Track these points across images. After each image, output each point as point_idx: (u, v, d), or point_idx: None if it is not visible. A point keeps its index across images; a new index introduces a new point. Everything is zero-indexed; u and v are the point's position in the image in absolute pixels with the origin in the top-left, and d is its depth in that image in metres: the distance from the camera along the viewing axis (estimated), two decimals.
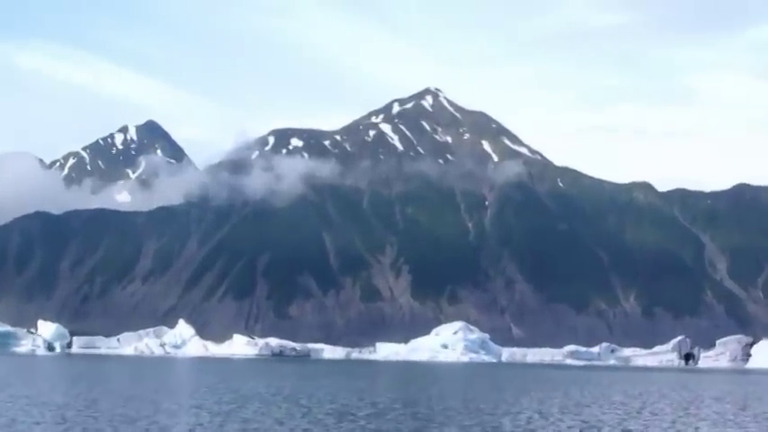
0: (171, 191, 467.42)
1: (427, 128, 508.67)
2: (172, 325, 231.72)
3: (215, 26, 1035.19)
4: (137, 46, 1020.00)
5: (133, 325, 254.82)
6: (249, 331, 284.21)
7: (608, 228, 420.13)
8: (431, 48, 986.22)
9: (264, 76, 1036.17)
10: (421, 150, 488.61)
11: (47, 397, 43.81)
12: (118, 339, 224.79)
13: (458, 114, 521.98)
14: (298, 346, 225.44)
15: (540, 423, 35.21)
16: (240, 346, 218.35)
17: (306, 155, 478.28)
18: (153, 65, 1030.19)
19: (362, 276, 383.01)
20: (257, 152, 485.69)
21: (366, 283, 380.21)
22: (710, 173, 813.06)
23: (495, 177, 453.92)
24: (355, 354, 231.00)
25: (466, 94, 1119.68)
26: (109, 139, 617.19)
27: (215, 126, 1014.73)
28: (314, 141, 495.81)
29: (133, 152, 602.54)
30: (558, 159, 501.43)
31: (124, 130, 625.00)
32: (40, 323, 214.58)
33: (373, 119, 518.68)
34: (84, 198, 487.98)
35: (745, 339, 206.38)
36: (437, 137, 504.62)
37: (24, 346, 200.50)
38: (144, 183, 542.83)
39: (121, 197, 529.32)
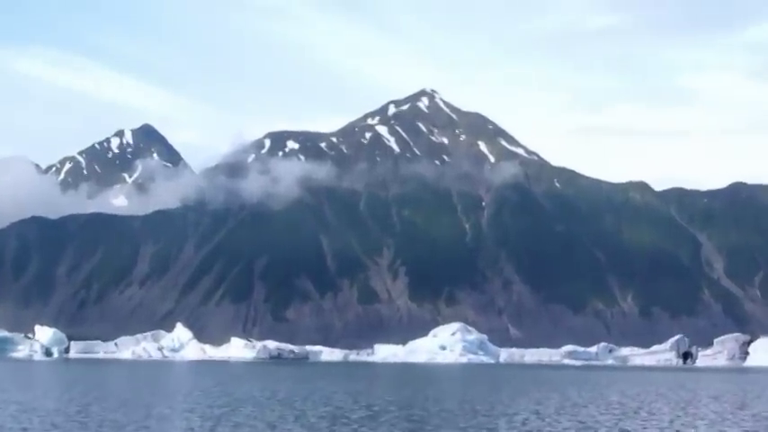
0: (167, 195, 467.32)
1: (423, 129, 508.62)
2: (169, 329, 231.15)
3: (210, 30, 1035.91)
4: (132, 50, 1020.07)
5: (131, 329, 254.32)
6: (247, 334, 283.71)
7: (605, 228, 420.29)
8: (426, 49, 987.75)
9: (260, 79, 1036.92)
10: (417, 152, 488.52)
11: (38, 402, 43.42)
12: (115, 344, 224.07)
13: (454, 115, 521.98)
14: (296, 348, 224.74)
15: (536, 424, 34.88)
16: (238, 349, 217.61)
17: (302, 157, 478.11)
18: (148, 69, 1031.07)
19: (360, 278, 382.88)
20: (253, 155, 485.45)
21: (363, 285, 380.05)
22: (707, 172, 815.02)
23: (491, 178, 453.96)
24: (353, 356, 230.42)
25: (462, 95, 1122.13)
26: (105, 144, 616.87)
27: (211, 129, 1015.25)
28: (310, 144, 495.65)
29: (129, 156, 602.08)
30: (555, 160, 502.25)
31: (120, 134, 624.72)
32: (38, 328, 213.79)
33: (369, 121, 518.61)
34: (81, 202, 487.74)
35: (743, 338, 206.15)
36: (433, 138, 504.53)
37: (22, 352, 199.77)
38: (140, 187, 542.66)
39: (118, 201, 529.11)
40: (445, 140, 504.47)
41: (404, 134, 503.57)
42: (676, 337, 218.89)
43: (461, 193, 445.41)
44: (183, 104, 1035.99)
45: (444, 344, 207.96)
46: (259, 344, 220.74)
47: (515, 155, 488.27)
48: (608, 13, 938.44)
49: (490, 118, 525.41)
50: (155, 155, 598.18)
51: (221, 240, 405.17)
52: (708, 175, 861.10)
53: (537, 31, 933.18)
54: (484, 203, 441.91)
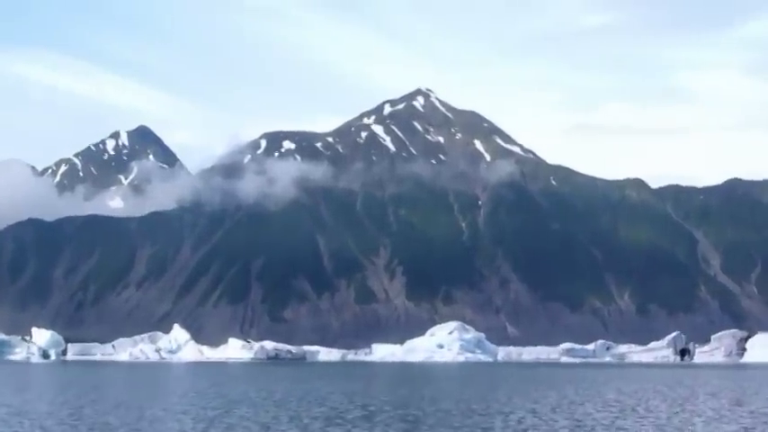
0: (164, 196, 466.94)
1: (419, 128, 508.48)
2: (167, 330, 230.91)
3: (206, 31, 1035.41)
4: (127, 52, 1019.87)
5: (128, 331, 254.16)
6: (244, 335, 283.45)
7: (601, 225, 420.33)
8: (421, 48, 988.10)
9: (256, 80, 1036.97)
10: (413, 151, 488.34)
11: (31, 405, 43.07)
12: (113, 345, 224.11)
13: (449, 114, 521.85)
14: (293, 349, 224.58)
15: (531, 422, 34.61)
16: (235, 350, 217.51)
17: (298, 158, 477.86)
18: (143, 70, 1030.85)
19: (357, 278, 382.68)
20: (249, 156, 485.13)
21: (360, 285, 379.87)
22: (703, 169, 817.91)
23: (487, 177, 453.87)
24: (351, 356, 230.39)
25: (457, 93, 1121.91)
26: (101, 146, 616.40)
27: (207, 130, 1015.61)
28: (306, 144, 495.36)
29: (125, 158, 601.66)
30: (551, 158, 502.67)
31: (116, 135, 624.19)
32: (35, 331, 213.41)
33: (365, 120, 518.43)
34: (77, 204, 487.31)
35: (740, 334, 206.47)
36: (429, 137, 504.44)
37: (19, 354, 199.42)
38: (136, 188, 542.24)
39: (114, 203, 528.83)
40: (441, 139, 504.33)
41: (400, 133, 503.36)
42: (673, 334, 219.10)
43: (458, 191, 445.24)
44: (179, 105, 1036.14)
45: (442, 343, 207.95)
46: (256, 344, 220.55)
47: (511, 153, 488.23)
48: (603, 11, 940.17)
49: (486, 116, 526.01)
50: (150, 156, 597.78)
51: (218, 241, 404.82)
52: (704, 172, 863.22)
53: (532, 29, 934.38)
54: (480, 202, 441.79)
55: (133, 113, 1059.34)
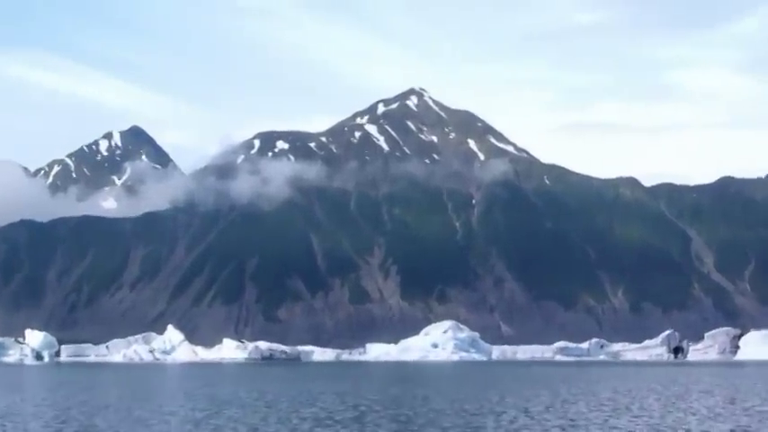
0: (157, 197, 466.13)
1: (413, 128, 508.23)
2: (161, 331, 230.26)
3: (198, 30, 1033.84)
4: (120, 52, 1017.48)
5: (122, 332, 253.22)
6: (239, 335, 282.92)
7: (595, 224, 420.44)
8: (415, 47, 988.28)
9: (248, 80, 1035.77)
10: (407, 150, 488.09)
11: (18, 407, 42.62)
12: (107, 347, 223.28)
13: (443, 114, 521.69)
14: (287, 349, 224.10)
15: (524, 422, 34.26)
16: (230, 350, 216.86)
17: (292, 157, 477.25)
18: (136, 70, 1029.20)
19: (351, 278, 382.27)
20: (243, 156, 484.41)
21: (355, 284, 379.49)
22: (695, 167, 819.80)
23: (481, 176, 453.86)
24: (345, 355, 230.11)
25: (451, 93, 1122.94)
26: (93, 146, 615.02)
27: (200, 131, 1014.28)
28: (299, 144, 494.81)
29: (118, 158, 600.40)
30: (544, 157, 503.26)
31: (108, 136, 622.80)
32: (28, 332, 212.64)
33: (358, 120, 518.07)
34: (70, 205, 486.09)
35: (734, 331, 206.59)
36: (423, 137, 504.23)
37: (12, 356, 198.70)
38: (130, 189, 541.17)
39: (107, 204, 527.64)
40: (434, 139, 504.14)
41: (393, 133, 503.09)
42: (667, 332, 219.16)
43: (451, 191, 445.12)
44: (172, 106, 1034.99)
45: (436, 342, 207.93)
46: (251, 345, 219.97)
47: (505, 152, 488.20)
48: (595, 10, 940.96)
49: (479, 116, 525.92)
50: (144, 157, 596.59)
51: (212, 242, 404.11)
52: (696, 170, 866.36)
53: (525, 28, 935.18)
54: (474, 201, 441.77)
55: (126, 114, 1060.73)
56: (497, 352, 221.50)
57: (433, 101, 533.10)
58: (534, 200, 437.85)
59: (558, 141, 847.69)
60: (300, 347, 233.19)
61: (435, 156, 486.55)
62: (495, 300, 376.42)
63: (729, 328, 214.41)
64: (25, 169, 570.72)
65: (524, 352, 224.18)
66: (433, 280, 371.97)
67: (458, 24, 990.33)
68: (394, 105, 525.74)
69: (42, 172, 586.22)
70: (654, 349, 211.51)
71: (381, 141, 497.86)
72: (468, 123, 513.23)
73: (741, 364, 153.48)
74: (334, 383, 70.34)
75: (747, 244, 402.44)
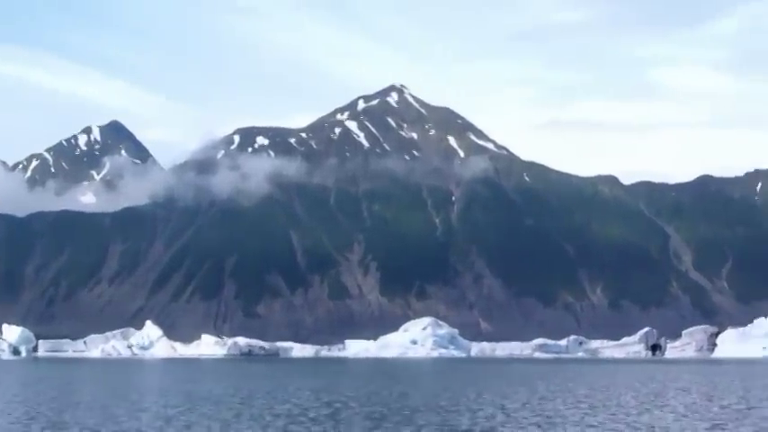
0: (136, 192, 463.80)
1: (393, 124, 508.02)
2: (139, 326, 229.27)
3: (179, 26, 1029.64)
4: (100, 46, 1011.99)
5: (100, 327, 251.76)
6: (218, 331, 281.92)
7: (574, 222, 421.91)
8: (395, 44, 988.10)
9: (229, 75, 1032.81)
10: (387, 147, 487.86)
11: None
12: (84, 342, 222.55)
13: (423, 110, 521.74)
14: (266, 345, 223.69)
15: (500, 419, 33.95)
16: (209, 346, 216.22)
17: (272, 153, 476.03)
18: (116, 65, 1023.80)
19: (331, 274, 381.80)
20: (223, 151, 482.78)
21: (334, 280, 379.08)
22: (674, 166, 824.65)
23: (461, 173, 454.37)
24: (324, 352, 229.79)
25: (431, 90, 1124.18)
26: (72, 141, 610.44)
27: (180, 126, 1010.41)
28: (279, 140, 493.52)
29: (97, 153, 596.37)
30: (524, 154, 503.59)
31: (87, 130, 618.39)
32: (5, 327, 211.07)
33: (339, 116, 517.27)
34: (49, 200, 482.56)
35: (711, 329, 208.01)
36: (403, 133, 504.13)
37: None
38: (109, 184, 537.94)
39: (86, 199, 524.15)
40: (415, 135, 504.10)
41: (373, 129, 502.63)
42: (645, 329, 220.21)
43: (431, 187, 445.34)
44: (152, 101, 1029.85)
45: (415, 339, 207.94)
46: (230, 341, 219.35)
47: (485, 149, 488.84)
48: (577, 8, 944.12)
49: (459, 113, 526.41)
50: (123, 152, 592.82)
51: (191, 237, 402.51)
52: (676, 169, 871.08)
53: (506, 26, 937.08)
54: (454, 198, 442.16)
55: (105, 108, 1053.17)
56: (476, 349, 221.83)
57: (414, 97, 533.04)
58: (514, 197, 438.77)
59: (538, 139, 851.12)
60: (279, 344, 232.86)
61: (415, 152, 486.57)
62: (475, 297, 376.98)
63: (707, 326, 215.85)
64: (3, 163, 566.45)
65: (503, 349, 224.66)
66: (412, 276, 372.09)
67: (438, 22, 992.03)
68: (374, 102, 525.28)
69: (21, 166, 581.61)
70: (632, 346, 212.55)
71: (361, 138, 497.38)
72: (449, 120, 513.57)
73: (718, 361, 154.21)
74: (312, 380, 69.94)
75: (725, 242, 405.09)
